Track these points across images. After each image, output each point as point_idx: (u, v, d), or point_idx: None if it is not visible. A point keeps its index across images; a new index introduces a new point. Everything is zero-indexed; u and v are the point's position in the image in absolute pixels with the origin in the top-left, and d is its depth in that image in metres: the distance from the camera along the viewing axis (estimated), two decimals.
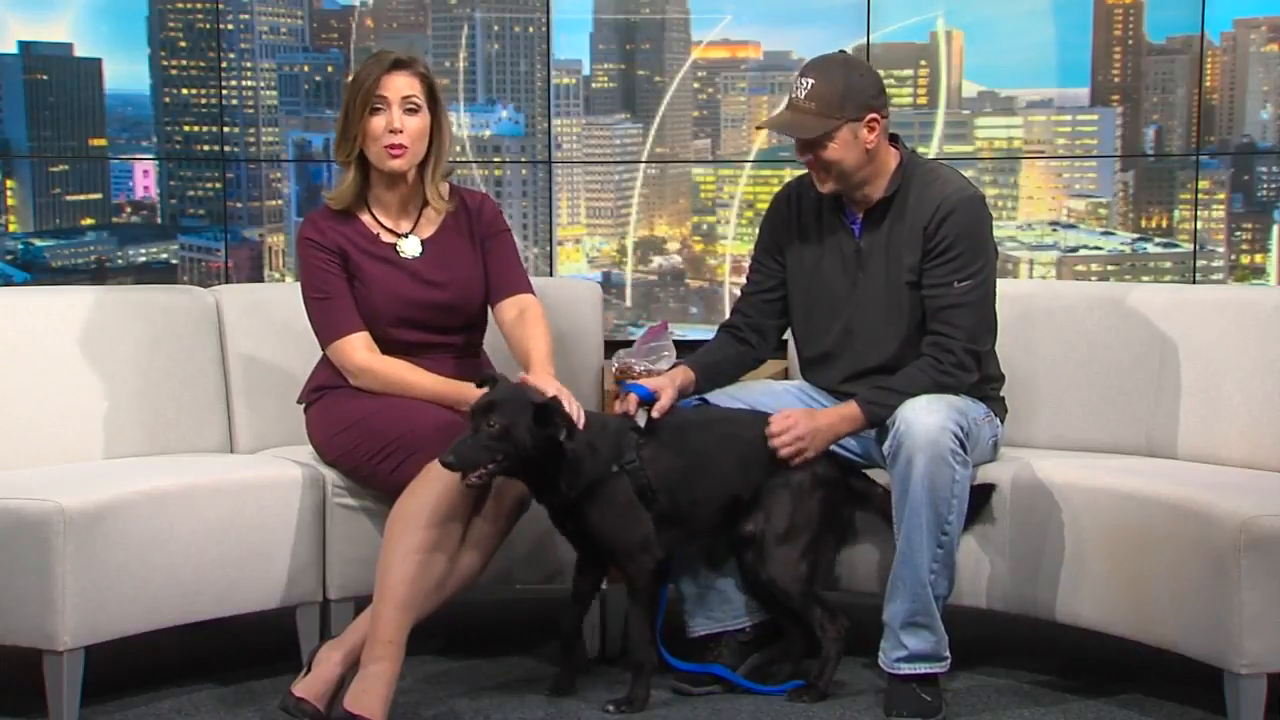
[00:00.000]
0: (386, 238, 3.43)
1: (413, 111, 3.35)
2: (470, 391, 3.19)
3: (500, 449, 3.01)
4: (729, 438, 3.27)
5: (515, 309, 3.43)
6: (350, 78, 3.43)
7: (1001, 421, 3.43)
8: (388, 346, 3.38)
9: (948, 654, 3.20)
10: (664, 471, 3.19)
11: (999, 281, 3.37)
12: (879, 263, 3.33)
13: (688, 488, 3.21)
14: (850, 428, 3.28)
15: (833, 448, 3.34)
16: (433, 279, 3.41)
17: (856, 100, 3.25)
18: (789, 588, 3.22)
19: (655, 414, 3.26)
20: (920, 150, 4.85)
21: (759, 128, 3.41)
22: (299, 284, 3.45)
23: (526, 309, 3.42)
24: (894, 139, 3.37)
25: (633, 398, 3.26)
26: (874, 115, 3.27)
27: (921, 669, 3.18)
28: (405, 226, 3.45)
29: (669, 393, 3.29)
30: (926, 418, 3.12)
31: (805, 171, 3.38)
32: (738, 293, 3.61)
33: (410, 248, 3.43)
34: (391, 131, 3.32)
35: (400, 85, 3.34)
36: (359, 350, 3.35)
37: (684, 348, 3.61)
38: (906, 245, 3.30)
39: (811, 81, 3.25)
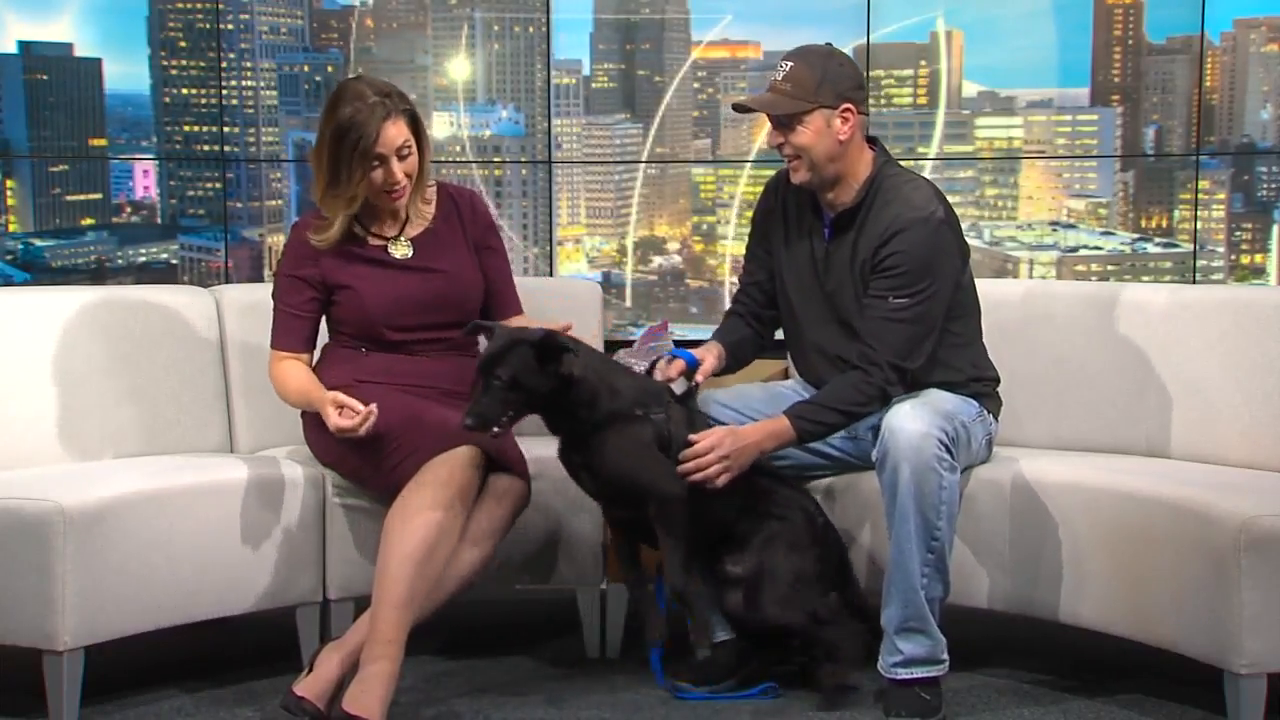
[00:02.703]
0: (376, 241, 3.43)
1: (407, 155, 3.33)
2: (321, 401, 3.22)
3: (515, 398, 3.01)
4: (749, 472, 3.17)
5: None
6: (330, 122, 3.29)
7: (995, 418, 3.41)
8: (385, 347, 3.38)
9: (945, 657, 3.18)
10: (682, 445, 3.12)
11: (996, 282, 3.35)
12: (841, 274, 3.29)
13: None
14: (776, 444, 3.21)
15: (831, 449, 3.36)
16: (425, 267, 3.41)
17: (833, 88, 3.22)
18: (791, 622, 3.18)
19: (699, 378, 3.30)
20: (920, 150, 4.86)
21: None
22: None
23: None
24: (872, 141, 3.33)
25: (680, 363, 3.31)
26: (849, 106, 3.24)
27: (919, 673, 3.16)
28: (393, 231, 3.45)
29: (710, 361, 3.35)
30: (911, 425, 3.09)
31: None
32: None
33: (400, 250, 3.43)
34: (391, 182, 3.32)
35: (393, 136, 3.28)
36: (275, 363, 3.40)
37: (684, 348, 3.60)
38: (864, 263, 3.25)
39: (791, 65, 3.25)
